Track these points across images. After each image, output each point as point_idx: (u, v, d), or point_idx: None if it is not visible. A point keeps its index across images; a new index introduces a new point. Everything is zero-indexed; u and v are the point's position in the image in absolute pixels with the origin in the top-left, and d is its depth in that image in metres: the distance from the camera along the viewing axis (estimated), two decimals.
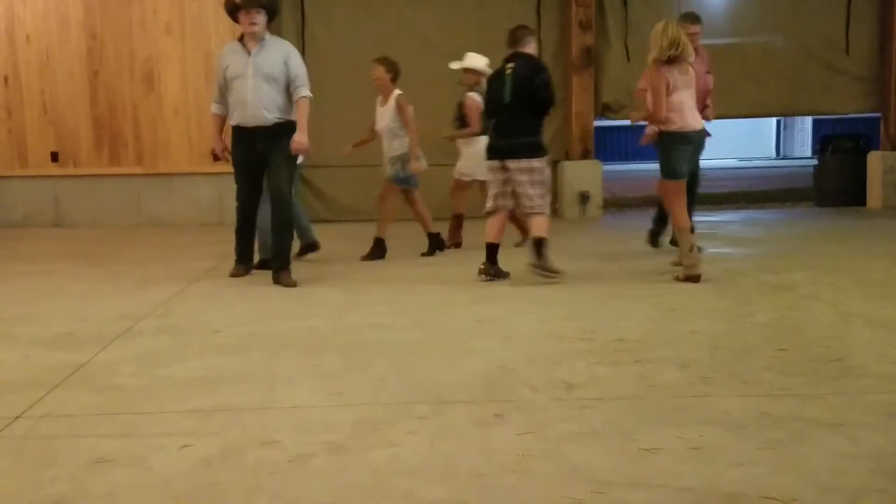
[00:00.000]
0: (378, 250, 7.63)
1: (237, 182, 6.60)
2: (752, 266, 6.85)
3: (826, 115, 17.49)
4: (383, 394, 3.66)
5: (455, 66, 8.16)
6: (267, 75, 6.29)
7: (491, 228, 6.40)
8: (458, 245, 8.34)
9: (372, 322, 5.07)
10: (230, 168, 6.81)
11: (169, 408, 3.51)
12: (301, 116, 6.36)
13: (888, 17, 11.25)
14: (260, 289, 6.25)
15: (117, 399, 3.65)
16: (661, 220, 7.65)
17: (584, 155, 11.18)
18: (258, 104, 6.30)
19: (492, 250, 6.37)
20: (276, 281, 6.33)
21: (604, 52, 11.27)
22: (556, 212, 11.45)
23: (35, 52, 10.96)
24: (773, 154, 31.80)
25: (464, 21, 11.23)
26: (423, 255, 7.80)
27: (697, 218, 10.39)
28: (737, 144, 28.56)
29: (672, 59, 6.12)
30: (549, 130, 11.39)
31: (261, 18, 6.27)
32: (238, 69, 6.33)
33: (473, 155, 7.95)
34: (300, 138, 6.32)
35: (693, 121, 6.25)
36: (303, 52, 10.57)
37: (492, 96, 6.44)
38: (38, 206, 11.05)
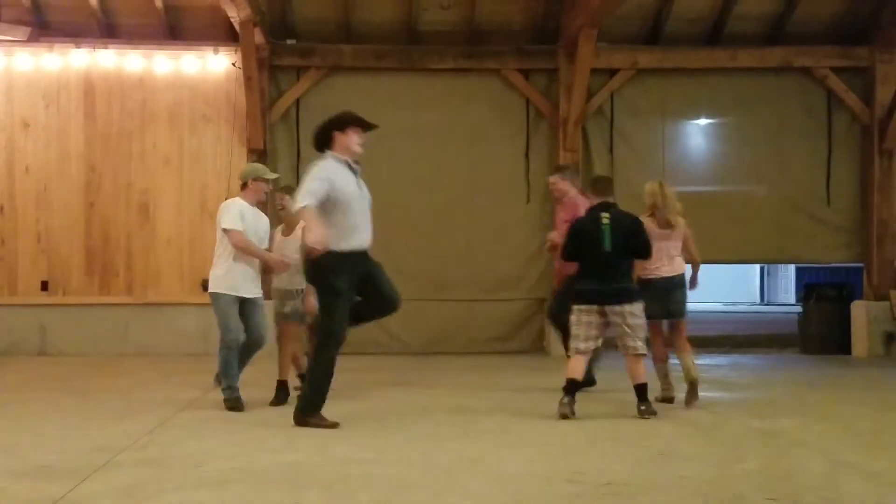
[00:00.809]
0: (283, 394, 7.02)
1: (340, 308, 5.90)
2: (740, 411, 6.82)
3: (808, 263, 17.76)
4: None
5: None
6: (368, 198, 6.18)
7: (578, 367, 6.52)
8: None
9: (356, 456, 4.99)
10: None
11: None
12: None
13: (868, 171, 11.61)
14: (243, 420, 6.16)
15: None
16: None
17: None
18: (371, 227, 6.14)
19: (576, 387, 6.47)
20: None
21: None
22: (543, 349, 11.48)
23: (33, 182, 11.15)
24: (758, 299, 32.10)
25: (456, 161, 11.56)
26: (273, 404, 6.94)
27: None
28: (721, 289, 28.84)
29: (652, 213, 7.10)
30: (537, 269, 11.63)
31: None
32: (354, 189, 6.00)
33: None
34: None
35: (659, 269, 7.07)
36: (297, 185, 10.84)
37: (584, 242, 6.56)
38: (23, 334, 10.98)
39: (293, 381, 7.11)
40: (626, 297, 6.47)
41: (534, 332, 11.64)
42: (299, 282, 6.83)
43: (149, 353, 10.83)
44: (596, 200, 6.70)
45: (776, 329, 15.07)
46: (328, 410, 6.06)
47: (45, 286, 11.06)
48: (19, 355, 10.75)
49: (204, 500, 4.04)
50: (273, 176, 7.19)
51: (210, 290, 6.75)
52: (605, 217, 6.53)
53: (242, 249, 6.65)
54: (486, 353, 11.02)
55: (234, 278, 6.68)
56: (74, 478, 4.45)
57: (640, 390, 6.43)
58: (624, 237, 6.48)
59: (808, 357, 11.58)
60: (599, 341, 6.58)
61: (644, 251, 6.64)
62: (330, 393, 7.00)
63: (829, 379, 9.24)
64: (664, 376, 7.25)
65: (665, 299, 7.05)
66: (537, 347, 11.56)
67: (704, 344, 13.15)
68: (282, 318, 7.13)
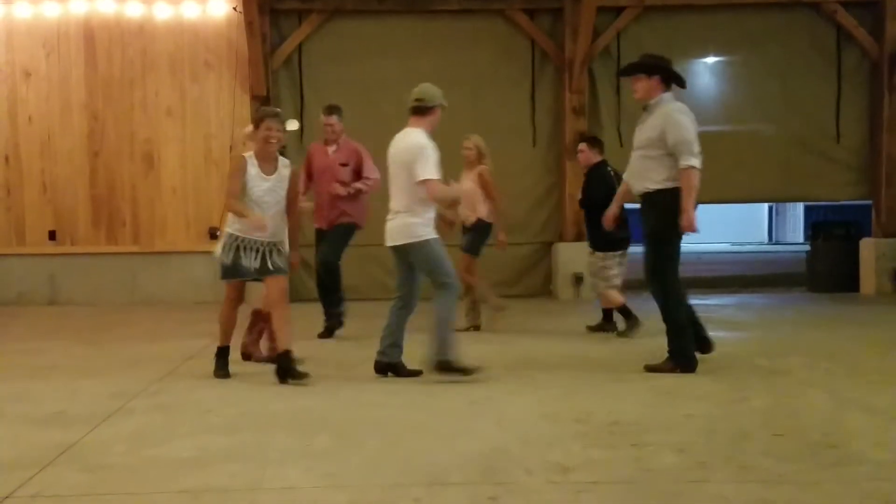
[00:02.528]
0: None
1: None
2: (747, 350, 6.84)
3: (817, 201, 17.65)
4: (377, 475, 3.61)
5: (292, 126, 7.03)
6: None
7: (620, 296, 7.65)
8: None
9: (365, 401, 5.03)
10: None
11: (159, 488, 3.47)
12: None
13: (878, 107, 11.46)
14: (251, 368, 6.21)
15: (107, 479, 3.61)
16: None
17: (578, 237, 11.25)
18: None
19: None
20: None
21: (597, 136, 11.43)
22: (550, 293, 11.52)
23: (37, 132, 11.11)
24: (766, 239, 32.04)
25: (461, 105, 11.37)
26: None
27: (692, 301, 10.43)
28: (729, 229, 28.81)
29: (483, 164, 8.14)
30: (543, 213, 11.61)
31: None
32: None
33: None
34: None
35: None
36: (302, 133, 10.79)
37: (611, 194, 6.92)
38: (33, 284, 11.05)
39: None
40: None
41: (540, 276, 11.66)
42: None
43: (157, 302, 10.90)
44: (600, 158, 7.86)
45: (784, 268, 15.08)
46: (334, 357, 6.10)
47: (52, 236, 11.10)
48: (29, 305, 10.85)
49: (215, 445, 4.09)
50: (444, 102, 5.82)
51: (415, 238, 5.65)
52: (611, 171, 7.68)
53: (440, 201, 5.76)
54: None
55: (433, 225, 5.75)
56: (87, 424, 4.51)
57: (625, 311, 7.56)
58: None
59: (816, 295, 11.58)
60: None
61: None
62: (338, 337, 7.05)
63: (836, 317, 9.25)
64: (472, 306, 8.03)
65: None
66: (544, 291, 11.59)
67: (712, 284, 13.18)
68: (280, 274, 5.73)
